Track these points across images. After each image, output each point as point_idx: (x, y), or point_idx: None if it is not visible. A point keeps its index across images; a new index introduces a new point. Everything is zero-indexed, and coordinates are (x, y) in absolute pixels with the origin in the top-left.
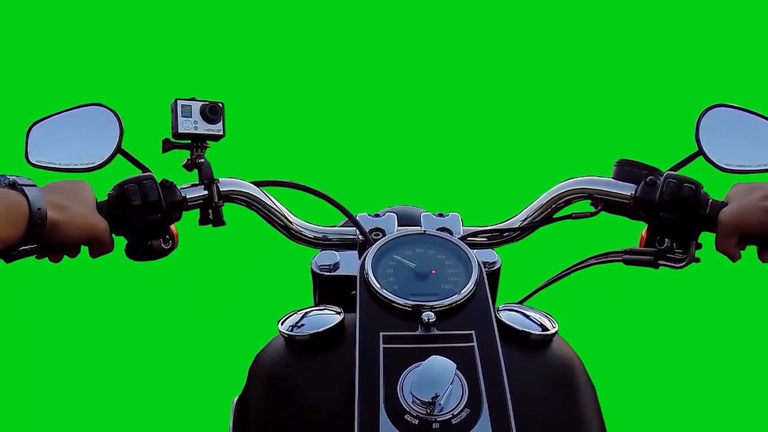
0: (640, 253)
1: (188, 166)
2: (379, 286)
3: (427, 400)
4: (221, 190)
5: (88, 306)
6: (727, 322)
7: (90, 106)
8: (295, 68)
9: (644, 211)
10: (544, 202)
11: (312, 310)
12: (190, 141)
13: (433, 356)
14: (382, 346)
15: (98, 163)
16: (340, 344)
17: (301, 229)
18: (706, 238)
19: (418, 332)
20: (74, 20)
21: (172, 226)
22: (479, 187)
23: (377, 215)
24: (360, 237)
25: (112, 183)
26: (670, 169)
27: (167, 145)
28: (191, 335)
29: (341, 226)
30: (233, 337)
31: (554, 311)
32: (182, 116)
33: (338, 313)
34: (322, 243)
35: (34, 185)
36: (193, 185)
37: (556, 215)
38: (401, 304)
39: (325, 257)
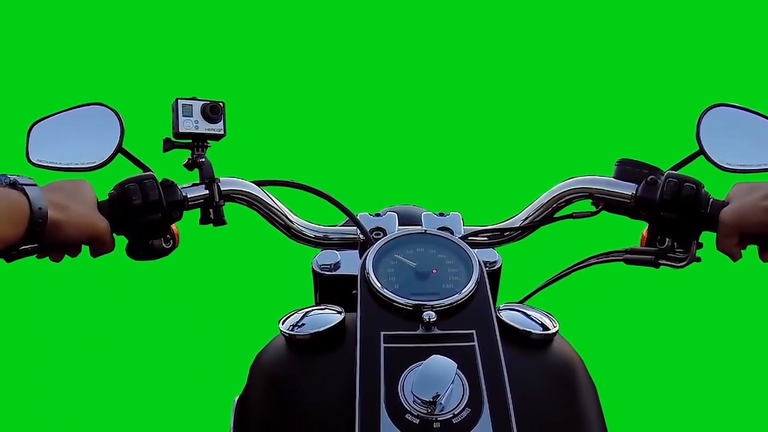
0: (641, 252)
1: (189, 166)
2: (380, 285)
3: (427, 400)
4: (222, 189)
5: (89, 305)
6: (727, 322)
7: (91, 106)
8: (296, 68)
9: (645, 210)
10: (545, 201)
11: (313, 310)
12: (190, 140)
13: (433, 356)
14: (382, 345)
15: (99, 162)
16: (341, 344)
17: (301, 228)
18: (707, 238)
19: (419, 332)
20: (75, 20)
21: (173, 226)
22: (480, 187)
23: (378, 215)
24: (361, 236)
25: (112, 182)
26: (670, 169)
27: (168, 145)
28: (192, 335)
29: (342, 226)
30: (234, 336)
31: (555, 311)
32: (183, 116)
33: (339, 313)
34: (322, 242)
35: (35, 185)
36: (194, 185)
37: (557, 215)
38: (402, 304)
39: (326, 257)
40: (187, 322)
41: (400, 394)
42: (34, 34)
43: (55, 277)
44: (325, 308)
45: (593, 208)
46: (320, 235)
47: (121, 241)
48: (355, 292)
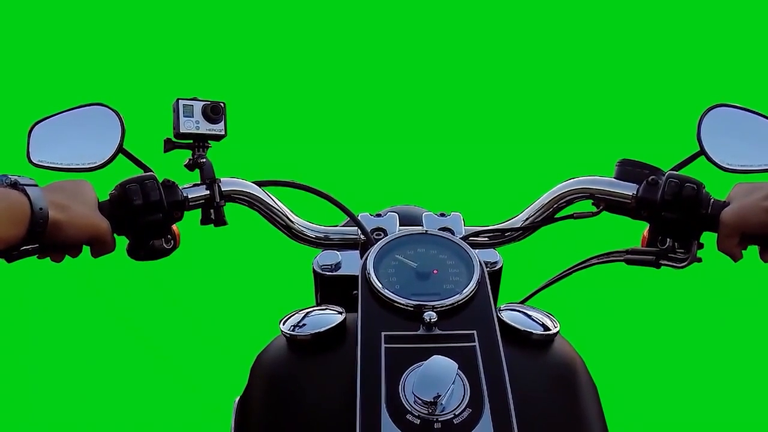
0: (642, 252)
1: (190, 166)
2: (380, 285)
3: (428, 400)
4: (223, 189)
5: (90, 306)
6: (728, 322)
7: (91, 106)
8: (297, 68)
9: (646, 210)
10: (546, 201)
11: (314, 310)
12: (191, 141)
13: (434, 356)
14: (383, 345)
15: (100, 162)
16: (342, 344)
17: (302, 228)
18: (708, 238)
19: (420, 332)
20: (75, 20)
21: (174, 226)
22: (481, 187)
23: (379, 215)
24: (362, 237)
25: (113, 183)
26: (671, 169)
27: (169, 145)
28: (193, 335)
29: (343, 226)
30: (235, 336)
31: (556, 311)
32: (184, 116)
33: (340, 313)
34: (323, 243)
35: (36, 185)
36: (195, 185)
37: (558, 215)
38: (403, 304)
39: (327, 257)
40: (188, 323)
41: (401, 395)
42: (35, 34)
43: (55, 278)
44: (326, 308)
45: (594, 209)
46: (321, 235)
47: (122, 242)
48: (355, 292)
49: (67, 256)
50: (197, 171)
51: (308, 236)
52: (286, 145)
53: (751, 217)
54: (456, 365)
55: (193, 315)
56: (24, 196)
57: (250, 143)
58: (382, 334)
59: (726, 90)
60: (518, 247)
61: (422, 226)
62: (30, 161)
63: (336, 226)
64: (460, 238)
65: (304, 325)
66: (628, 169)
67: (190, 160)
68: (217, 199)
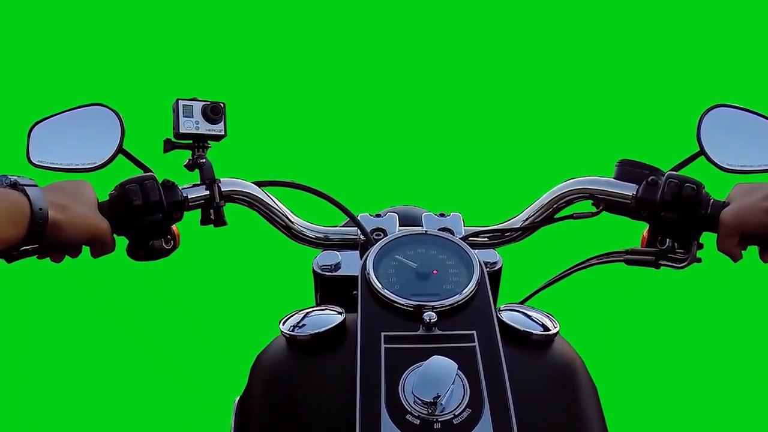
0: (642, 253)
1: (189, 166)
2: (380, 286)
3: (428, 400)
4: (222, 190)
5: (90, 306)
6: (728, 323)
7: (91, 106)
8: (297, 69)
9: (645, 211)
10: (546, 202)
11: (313, 310)
12: (191, 141)
13: (434, 356)
14: (383, 346)
15: (99, 163)
16: (342, 344)
17: (302, 229)
18: (708, 238)
19: (420, 332)
20: (76, 20)
21: (174, 227)
22: (481, 188)
23: (378, 215)
24: (361, 237)
25: (113, 183)
26: (671, 169)
27: (168, 145)
28: (193, 335)
29: (342, 226)
30: (235, 337)
31: (555, 311)
32: (184, 116)
33: (339, 313)
34: (323, 243)
35: (36, 185)
36: (195, 185)
37: (558, 215)
38: (403, 304)
39: (327, 257)
40: (187, 323)
41: (400, 395)
42: (35, 34)
43: (55, 278)
44: (326, 309)
45: (594, 209)
46: (321, 235)
47: (122, 242)
48: (355, 292)
49: (66, 257)
50: (197, 171)
51: (308, 236)
52: (286, 145)
53: (750, 218)
54: (456, 365)
55: (193, 315)
56: (24, 196)
57: (250, 143)
58: (382, 334)
59: (726, 90)
60: (518, 248)
61: (422, 226)
62: (30, 161)
63: (336, 226)
64: (460, 238)
65: (303, 325)
66: (628, 170)
67: (189, 160)
68: (217, 200)
